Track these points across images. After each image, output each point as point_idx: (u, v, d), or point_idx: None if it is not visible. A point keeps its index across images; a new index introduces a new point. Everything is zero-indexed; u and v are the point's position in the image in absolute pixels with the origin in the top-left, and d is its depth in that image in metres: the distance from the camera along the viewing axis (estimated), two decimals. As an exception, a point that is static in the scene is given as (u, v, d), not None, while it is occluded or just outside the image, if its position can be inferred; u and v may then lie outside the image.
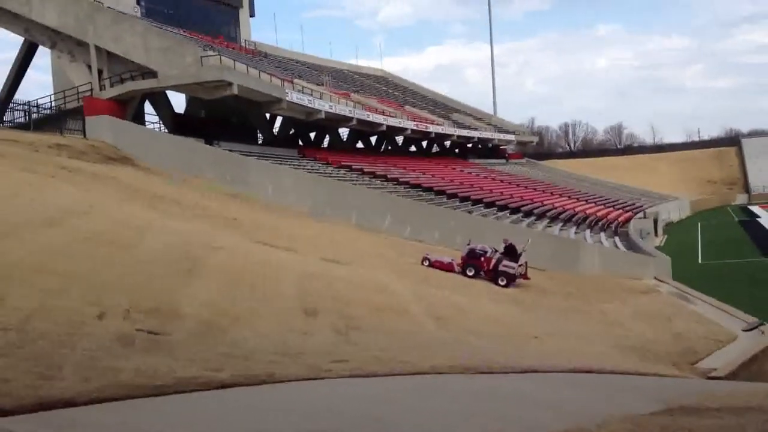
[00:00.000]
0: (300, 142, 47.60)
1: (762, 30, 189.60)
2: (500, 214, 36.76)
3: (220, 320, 8.04)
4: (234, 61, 34.85)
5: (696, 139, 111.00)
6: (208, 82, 30.64)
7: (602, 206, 51.00)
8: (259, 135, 44.36)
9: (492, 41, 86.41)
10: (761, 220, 54.60)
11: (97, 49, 32.37)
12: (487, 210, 36.92)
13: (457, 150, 62.90)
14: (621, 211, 51.36)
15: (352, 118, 41.41)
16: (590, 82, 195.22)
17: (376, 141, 55.80)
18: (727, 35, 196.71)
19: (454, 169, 51.78)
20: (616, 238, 38.96)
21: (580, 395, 5.96)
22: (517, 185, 51.16)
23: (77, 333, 5.82)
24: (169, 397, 3.81)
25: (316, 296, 11.48)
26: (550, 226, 37.04)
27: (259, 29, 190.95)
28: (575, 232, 37.14)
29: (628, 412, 4.08)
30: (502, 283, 21.11)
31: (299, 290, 11.76)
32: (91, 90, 32.70)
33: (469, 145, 62.40)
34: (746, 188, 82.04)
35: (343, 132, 50.12)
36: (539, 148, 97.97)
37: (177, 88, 33.49)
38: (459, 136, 58.09)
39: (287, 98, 34.31)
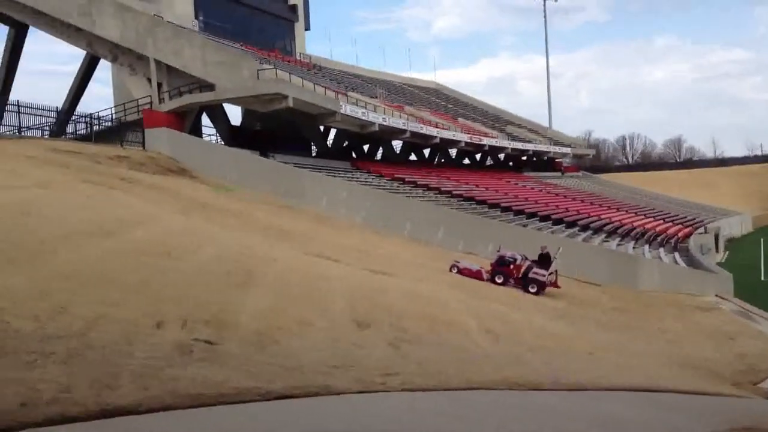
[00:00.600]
0: (353, 155, 47.85)
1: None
2: (555, 228, 36.27)
3: (273, 331, 8.09)
4: (289, 74, 35.35)
5: (758, 153, 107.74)
6: (264, 95, 31.12)
7: (661, 221, 49.82)
8: (313, 147, 44.72)
9: (547, 53, 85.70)
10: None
11: (157, 62, 33.18)
12: (542, 224, 36.48)
13: (511, 163, 62.20)
14: (681, 226, 50.09)
15: (406, 130, 41.48)
16: (648, 94, 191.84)
17: (429, 153, 55.63)
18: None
19: (508, 182, 51.34)
20: (676, 254, 38.03)
21: (638, 415, 5.81)
22: (573, 199, 50.42)
23: (136, 342, 5.93)
24: (226, 406, 3.85)
25: (368, 308, 11.46)
26: (607, 241, 36.39)
27: (314, 42, 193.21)
28: (633, 247, 36.38)
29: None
30: (533, 291, 21.16)
31: (351, 302, 11.76)
32: (151, 103, 33.53)
33: (524, 158, 61.73)
34: (810, 204, 79.07)
35: (397, 144, 50.24)
36: (596, 161, 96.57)
37: (233, 100, 34.10)
38: (513, 149, 57.40)
39: (341, 111, 34.60)
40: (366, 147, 50.29)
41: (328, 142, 46.54)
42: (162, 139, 31.69)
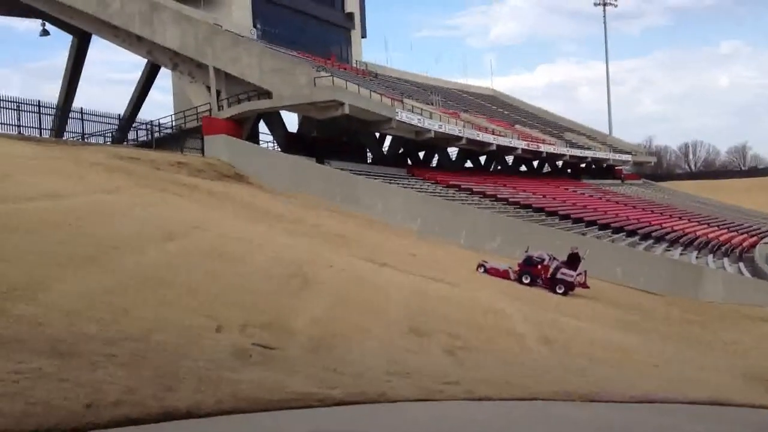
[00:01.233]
0: (409, 161, 47.80)
1: None
2: (615, 236, 35.52)
3: (330, 337, 8.09)
4: (345, 81, 35.59)
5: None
6: (320, 102, 31.39)
7: (725, 230, 48.24)
8: (369, 154, 44.86)
9: (607, 58, 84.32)
10: None
11: (216, 70, 33.77)
12: (601, 232, 35.75)
13: (569, 170, 61.08)
14: (746, 235, 48.43)
15: (462, 137, 41.22)
16: (711, 100, 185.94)
17: (486, 160, 55.10)
18: None
19: (566, 189, 50.54)
20: (741, 264, 36.77)
21: (707, 429, 5.57)
22: (634, 207, 49.31)
23: (196, 345, 5.99)
24: (286, 412, 3.83)
25: (425, 315, 11.39)
26: (669, 250, 35.45)
27: (371, 49, 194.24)
28: (696, 257, 35.33)
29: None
30: (560, 291, 21.03)
31: (407, 309, 11.71)
32: (210, 110, 34.13)
33: (583, 165, 60.55)
34: None
35: (452, 151, 49.88)
36: (657, 168, 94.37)
37: (290, 108, 34.51)
38: (572, 156, 56.39)
39: (397, 118, 34.63)
40: (422, 154, 50.14)
41: (383, 149, 46.57)
42: (220, 145, 32.23)
